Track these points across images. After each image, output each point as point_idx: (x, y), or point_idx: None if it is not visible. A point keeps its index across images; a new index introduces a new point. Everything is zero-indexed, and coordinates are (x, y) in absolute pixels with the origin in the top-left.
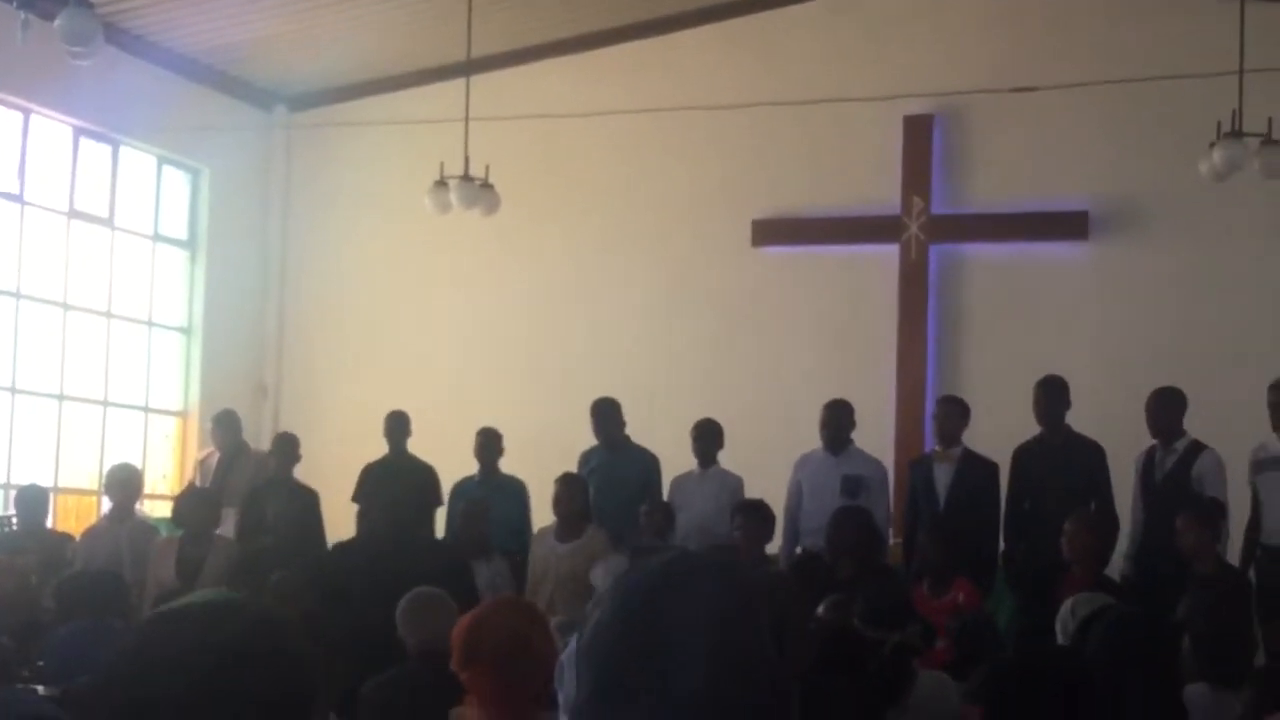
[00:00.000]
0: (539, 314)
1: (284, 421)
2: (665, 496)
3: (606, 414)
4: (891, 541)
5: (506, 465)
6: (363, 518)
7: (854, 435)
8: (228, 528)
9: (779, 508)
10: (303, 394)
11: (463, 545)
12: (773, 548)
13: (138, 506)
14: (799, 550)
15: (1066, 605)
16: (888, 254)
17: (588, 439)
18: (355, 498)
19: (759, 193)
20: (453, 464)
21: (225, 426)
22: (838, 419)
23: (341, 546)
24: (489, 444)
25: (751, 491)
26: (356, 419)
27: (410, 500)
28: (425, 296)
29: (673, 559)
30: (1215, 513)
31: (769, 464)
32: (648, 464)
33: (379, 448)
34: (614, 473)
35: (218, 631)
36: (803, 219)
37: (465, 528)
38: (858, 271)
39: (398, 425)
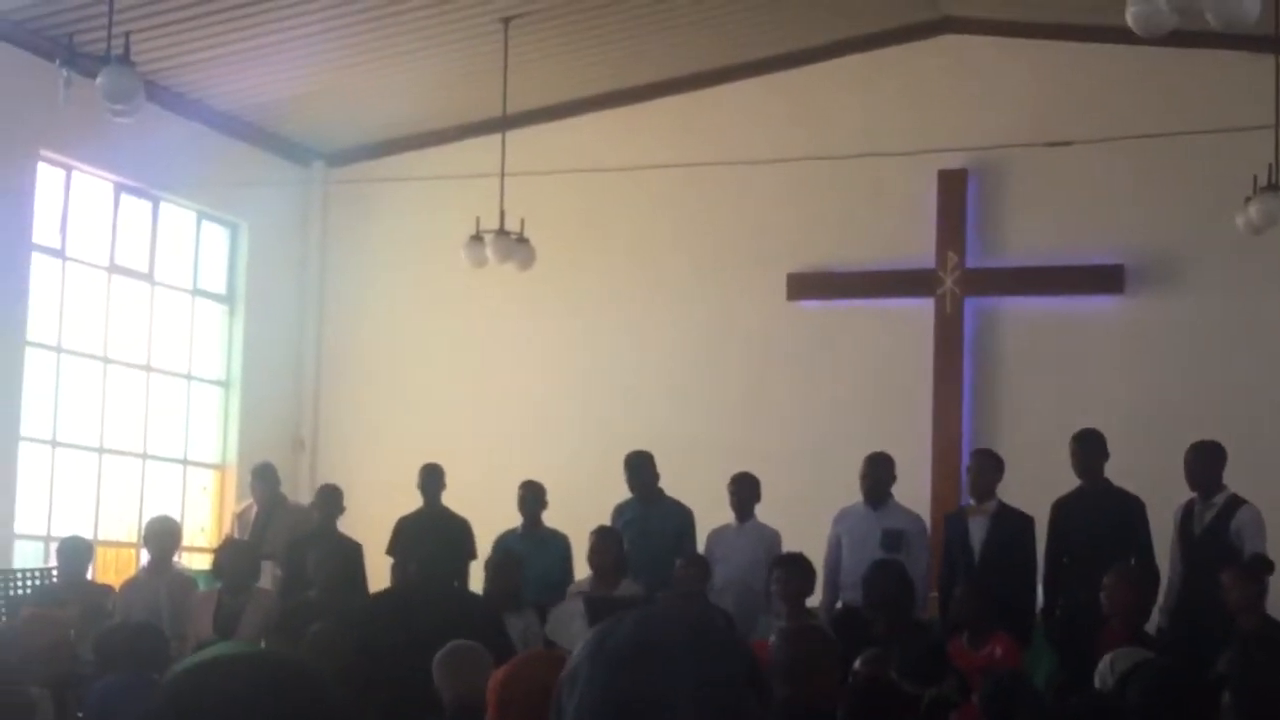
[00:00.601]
0: (574, 366)
1: (321, 474)
2: (701, 549)
3: (640, 467)
4: (931, 594)
5: (550, 518)
6: (397, 570)
7: (891, 489)
8: (266, 580)
9: (817, 561)
10: (339, 447)
11: (494, 598)
12: (812, 601)
13: (176, 559)
14: (839, 605)
15: (1106, 660)
16: (923, 308)
17: (623, 492)
18: (390, 550)
19: (794, 246)
20: (488, 517)
21: (264, 479)
22: (878, 472)
23: (376, 599)
24: (532, 497)
25: (789, 545)
26: (392, 472)
27: (444, 553)
28: (461, 349)
29: (641, 622)
30: (1261, 568)
31: (805, 517)
32: (683, 517)
33: (413, 501)
34: (649, 526)
35: (251, 684)
36: (838, 272)
37: (496, 580)
38: (893, 325)
39: (432, 478)
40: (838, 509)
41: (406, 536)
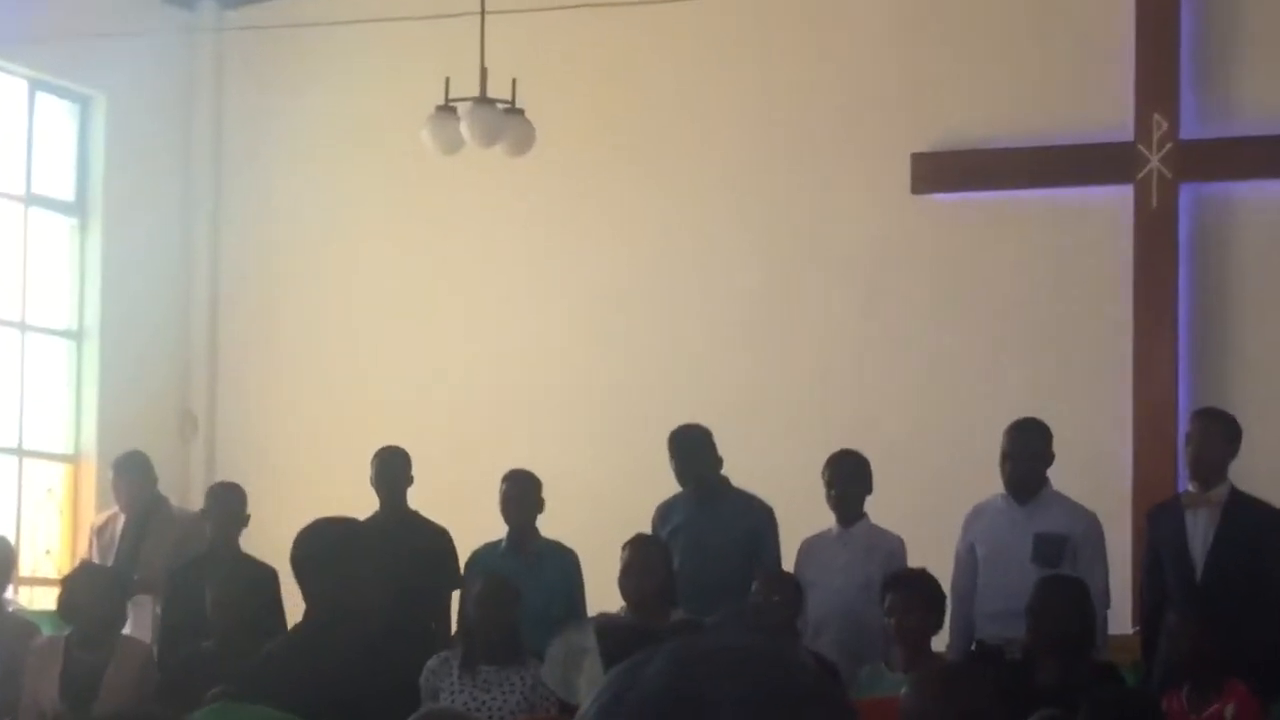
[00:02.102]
0: (591, 303)
1: (221, 468)
2: (789, 565)
3: (694, 448)
4: (1127, 630)
5: (550, 526)
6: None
7: (1054, 472)
8: (140, 624)
9: (945, 580)
10: (246, 427)
11: (481, 647)
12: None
13: (7, 594)
14: (974, 645)
15: None
16: (1114, 200)
17: (666, 485)
18: None
19: (920, 114)
20: (461, 524)
21: (133, 476)
22: (1027, 449)
23: (301, 646)
24: (523, 495)
25: (919, 558)
26: (326, 462)
27: (413, 581)
28: (422, 281)
29: (678, 663)
30: None
31: (938, 517)
32: (759, 518)
33: (361, 502)
34: (708, 533)
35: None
36: (985, 151)
37: (483, 620)
38: (1069, 227)
39: (393, 469)
40: (972, 506)
41: (355, 557)
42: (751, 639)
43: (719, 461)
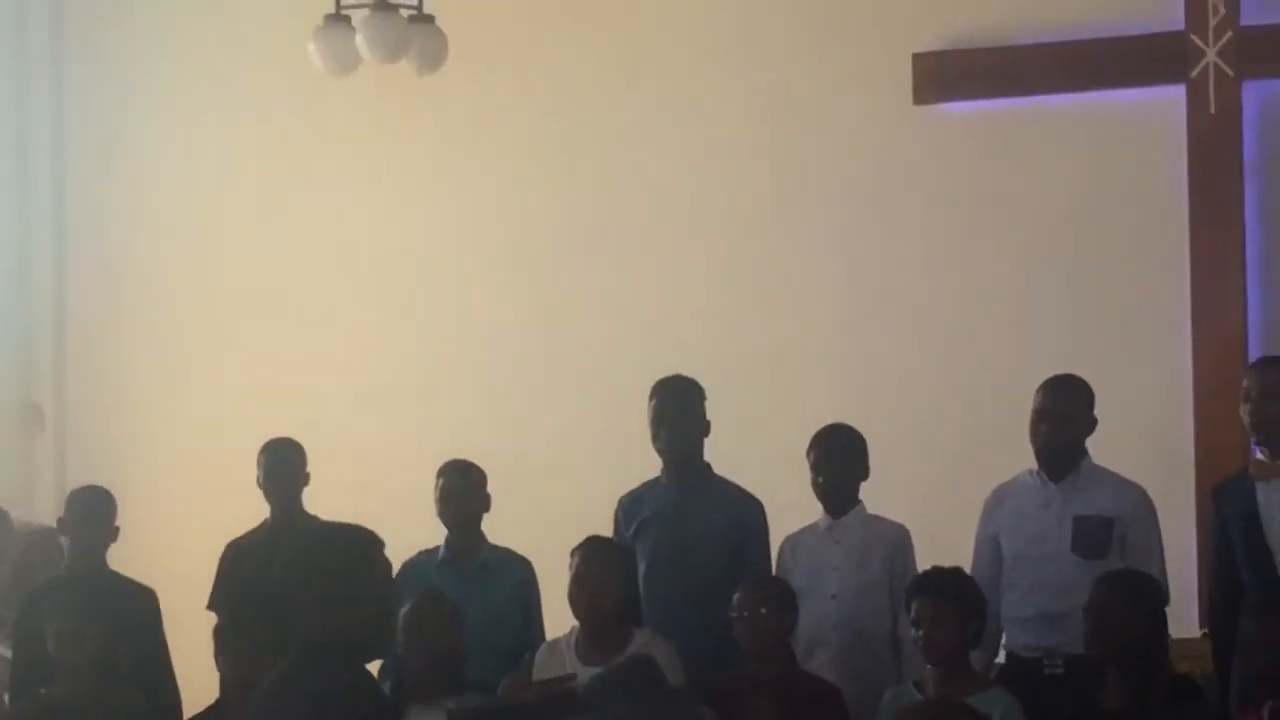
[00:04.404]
0: (528, 249)
1: (74, 472)
2: (775, 569)
3: (679, 410)
4: (1198, 633)
5: (496, 529)
6: (230, 638)
7: (1095, 442)
8: None
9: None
10: (104, 421)
11: (413, 683)
12: None
13: None
14: (1000, 657)
15: None
16: (1164, 104)
17: (632, 471)
18: (213, 603)
19: (923, 5)
20: (379, 530)
21: None
22: (1062, 412)
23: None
24: (463, 491)
25: (930, 552)
26: (205, 459)
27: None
28: (318, 230)
29: None
30: None
31: (945, 500)
32: (747, 511)
33: (249, 507)
34: (686, 528)
35: None
36: (1003, 50)
37: (414, 649)
38: (1108, 140)
39: (284, 465)
40: (996, 486)
41: (247, 576)
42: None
43: (707, 427)
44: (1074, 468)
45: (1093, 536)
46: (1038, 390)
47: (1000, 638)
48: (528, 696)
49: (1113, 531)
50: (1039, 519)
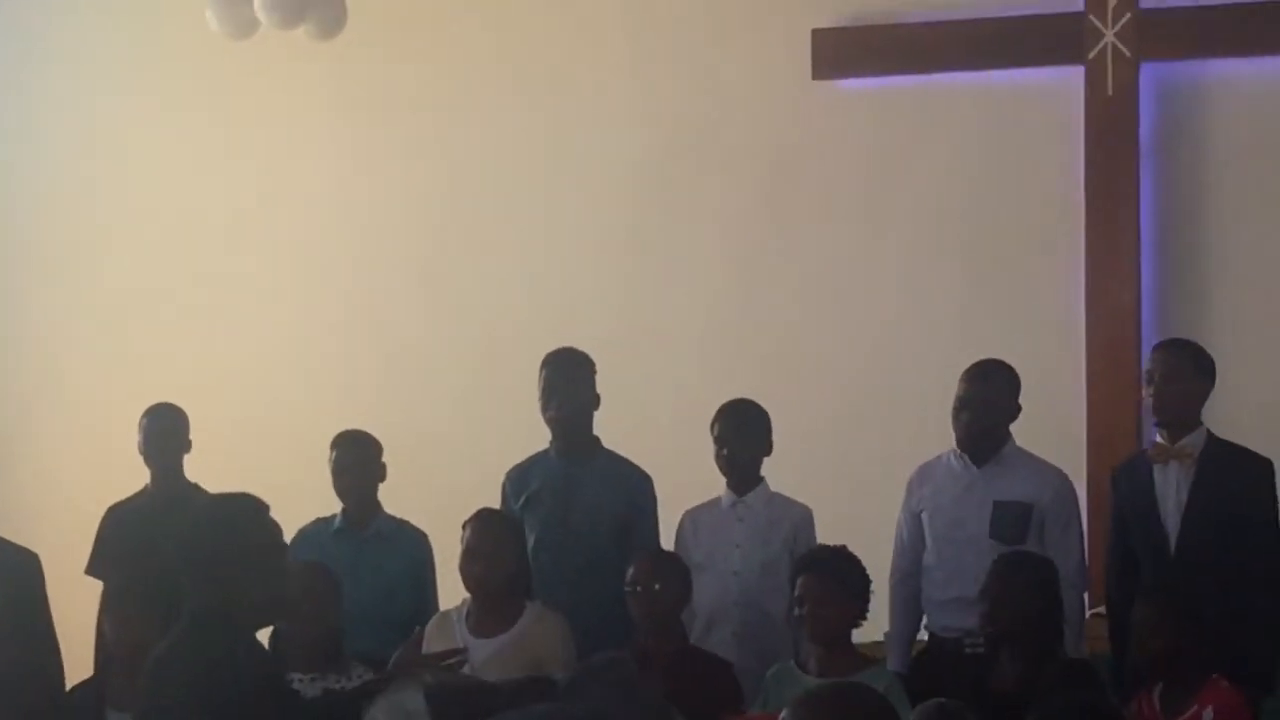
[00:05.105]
0: (429, 219)
1: None
2: (671, 544)
3: (569, 381)
4: (1089, 613)
5: (391, 499)
6: (115, 605)
7: (1017, 426)
8: None
9: (878, 562)
10: None
11: (291, 653)
12: (873, 630)
13: None
14: (923, 636)
15: None
16: (1063, 81)
17: (516, 446)
18: (91, 568)
19: None
20: (271, 499)
21: None
22: (986, 395)
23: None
24: (358, 462)
25: (831, 530)
26: (89, 422)
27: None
28: (213, 199)
29: None
30: None
31: (854, 478)
32: (636, 485)
33: (130, 472)
34: (574, 502)
35: None
36: (902, 26)
37: (292, 618)
38: (1005, 119)
39: (165, 431)
40: (915, 464)
41: (126, 541)
42: (603, 709)
43: (596, 400)
44: (996, 451)
45: (1011, 522)
46: (962, 377)
47: (922, 618)
48: (419, 668)
49: (1031, 517)
50: (960, 502)
